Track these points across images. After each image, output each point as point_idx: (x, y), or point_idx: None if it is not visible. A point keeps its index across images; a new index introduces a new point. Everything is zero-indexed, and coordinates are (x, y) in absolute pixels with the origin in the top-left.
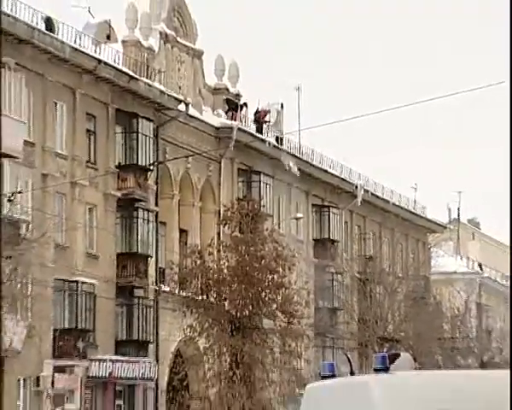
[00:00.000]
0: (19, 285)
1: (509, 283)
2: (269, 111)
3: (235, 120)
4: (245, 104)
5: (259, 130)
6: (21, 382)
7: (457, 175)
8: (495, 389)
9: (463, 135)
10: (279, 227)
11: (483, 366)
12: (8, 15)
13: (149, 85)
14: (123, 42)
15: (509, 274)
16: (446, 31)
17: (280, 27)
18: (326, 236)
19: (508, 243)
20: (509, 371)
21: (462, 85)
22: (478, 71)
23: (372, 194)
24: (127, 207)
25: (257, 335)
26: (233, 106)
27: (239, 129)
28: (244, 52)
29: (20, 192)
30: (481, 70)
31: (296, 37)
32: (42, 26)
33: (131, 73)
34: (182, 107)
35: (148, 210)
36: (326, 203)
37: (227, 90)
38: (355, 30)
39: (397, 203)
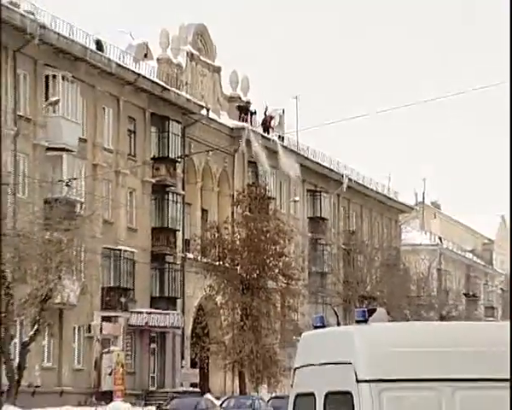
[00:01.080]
0: (74, 252)
1: (464, 253)
2: (274, 116)
3: (245, 122)
4: (255, 111)
5: (266, 130)
6: (76, 329)
7: (423, 165)
8: (449, 335)
9: (429, 133)
10: (280, 208)
11: (442, 318)
12: (66, 38)
13: (178, 94)
14: (157, 59)
15: (463, 245)
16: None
17: (285, 46)
18: (318, 215)
19: (462, 221)
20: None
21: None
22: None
23: (355, 181)
24: (160, 191)
25: (262, 293)
26: (244, 111)
27: (249, 130)
28: (254, 67)
29: (75, 179)
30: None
31: (297, 56)
32: (93, 47)
33: (164, 85)
34: (203, 111)
35: (177, 193)
36: (318, 189)
37: (240, 98)
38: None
39: (374, 189)
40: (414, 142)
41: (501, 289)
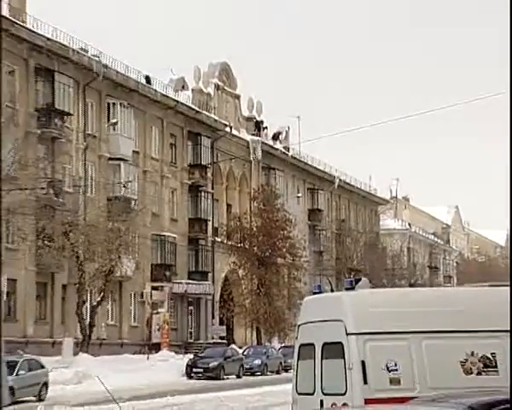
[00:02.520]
0: (130, 238)
1: (427, 235)
2: (281, 132)
3: (259, 136)
4: (266, 128)
5: (276, 143)
6: (132, 296)
7: (396, 168)
8: (417, 298)
9: (401, 144)
10: (287, 202)
11: (411, 285)
12: (123, 74)
13: (208, 116)
14: (192, 90)
15: (427, 229)
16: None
17: (291, 76)
18: (315, 207)
19: (426, 211)
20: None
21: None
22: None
23: (344, 181)
24: (194, 190)
25: (273, 267)
26: (258, 128)
27: (262, 142)
28: (266, 93)
29: (130, 181)
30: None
31: (300, 84)
32: (143, 81)
33: (197, 109)
34: (227, 129)
35: (207, 192)
36: (315, 187)
37: (255, 118)
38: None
39: (359, 187)
40: (389, 151)
41: (456, 262)
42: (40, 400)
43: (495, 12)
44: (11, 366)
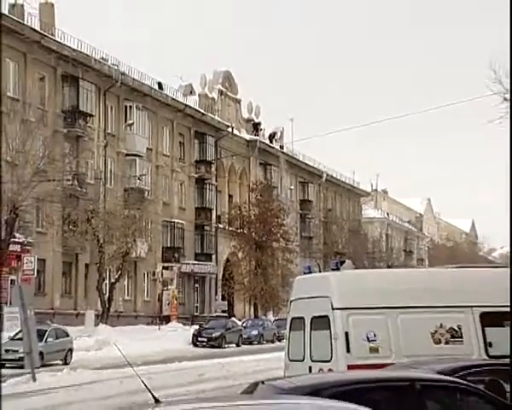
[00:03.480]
0: (144, 224)
1: (403, 223)
2: (276, 132)
3: (257, 136)
4: (263, 129)
5: (271, 142)
6: (145, 274)
7: (376, 165)
8: (393, 278)
9: (381, 145)
10: (281, 193)
11: (388, 267)
12: (138, 81)
13: (212, 118)
14: (198, 95)
15: (402, 218)
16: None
17: (287, 81)
18: (306, 198)
19: (402, 202)
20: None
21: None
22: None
23: (331, 176)
24: (200, 182)
25: (269, 251)
26: (256, 129)
27: (260, 141)
28: (264, 97)
29: (144, 175)
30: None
31: (294, 89)
32: (156, 87)
33: (203, 111)
34: (229, 129)
35: (212, 184)
36: (306, 180)
37: (253, 120)
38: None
39: (343, 180)
40: (371, 150)
41: (427, 247)
42: (66, 363)
43: (495, 12)
44: (41, 335)
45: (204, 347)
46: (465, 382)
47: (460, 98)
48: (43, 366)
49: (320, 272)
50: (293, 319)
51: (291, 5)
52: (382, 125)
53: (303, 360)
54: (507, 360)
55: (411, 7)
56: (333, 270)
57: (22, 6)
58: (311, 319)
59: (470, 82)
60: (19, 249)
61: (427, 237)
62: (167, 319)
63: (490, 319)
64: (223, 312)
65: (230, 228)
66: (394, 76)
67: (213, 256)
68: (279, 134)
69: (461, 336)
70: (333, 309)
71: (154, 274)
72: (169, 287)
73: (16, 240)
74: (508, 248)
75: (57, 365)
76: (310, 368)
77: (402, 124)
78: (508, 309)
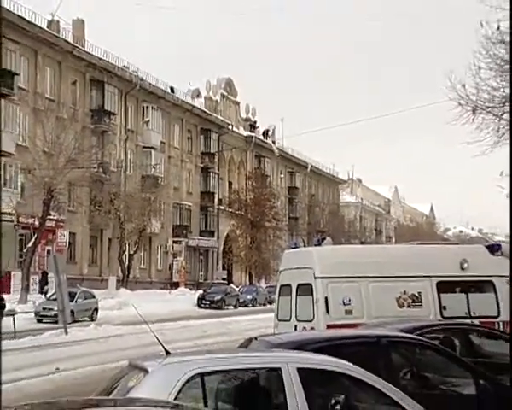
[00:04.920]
0: (158, 205)
1: (374, 207)
2: (269, 130)
3: (253, 133)
4: (258, 126)
5: (265, 137)
6: (159, 247)
7: (352, 157)
8: (366, 252)
9: (358, 140)
10: (272, 181)
11: (362, 243)
12: (154, 85)
13: (215, 117)
14: (204, 98)
15: (374, 202)
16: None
17: (280, 85)
18: (294, 185)
19: (373, 188)
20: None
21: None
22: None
23: (314, 166)
24: (205, 171)
25: (262, 229)
26: (253, 126)
27: (255, 137)
28: (260, 99)
29: (158, 164)
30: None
31: (286, 90)
32: (169, 90)
33: (208, 111)
34: (230, 127)
35: (215, 173)
36: (294, 170)
37: (250, 119)
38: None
39: (325, 170)
40: (348, 144)
41: (394, 227)
42: (92, 320)
43: (495, 12)
44: (72, 296)
45: (207, 308)
46: (423, 339)
47: (425, 102)
48: (73, 322)
49: (304, 247)
50: (281, 286)
51: (289, 7)
52: (359, 124)
53: (290, 320)
54: (458, 320)
55: (400, 5)
56: (315, 245)
57: (58, 22)
58: (297, 286)
59: (429, 88)
60: (54, 225)
61: (394, 218)
62: (176, 285)
63: (444, 287)
64: (223, 279)
65: (230, 209)
66: (378, 78)
67: (215, 233)
68: (271, 131)
69: (420, 301)
70: (315, 278)
71: (165, 247)
72: (178, 258)
73: (51, 217)
74: (459, 228)
75: (85, 321)
76: (295, 327)
77: (376, 123)
78: (459, 279)
